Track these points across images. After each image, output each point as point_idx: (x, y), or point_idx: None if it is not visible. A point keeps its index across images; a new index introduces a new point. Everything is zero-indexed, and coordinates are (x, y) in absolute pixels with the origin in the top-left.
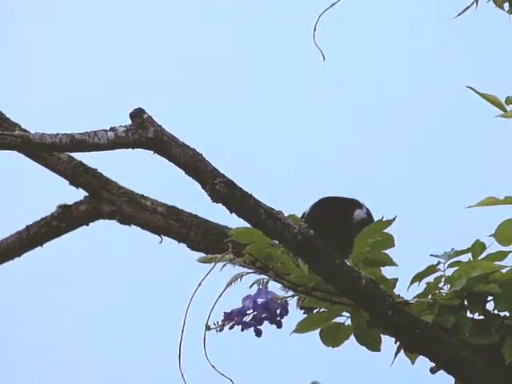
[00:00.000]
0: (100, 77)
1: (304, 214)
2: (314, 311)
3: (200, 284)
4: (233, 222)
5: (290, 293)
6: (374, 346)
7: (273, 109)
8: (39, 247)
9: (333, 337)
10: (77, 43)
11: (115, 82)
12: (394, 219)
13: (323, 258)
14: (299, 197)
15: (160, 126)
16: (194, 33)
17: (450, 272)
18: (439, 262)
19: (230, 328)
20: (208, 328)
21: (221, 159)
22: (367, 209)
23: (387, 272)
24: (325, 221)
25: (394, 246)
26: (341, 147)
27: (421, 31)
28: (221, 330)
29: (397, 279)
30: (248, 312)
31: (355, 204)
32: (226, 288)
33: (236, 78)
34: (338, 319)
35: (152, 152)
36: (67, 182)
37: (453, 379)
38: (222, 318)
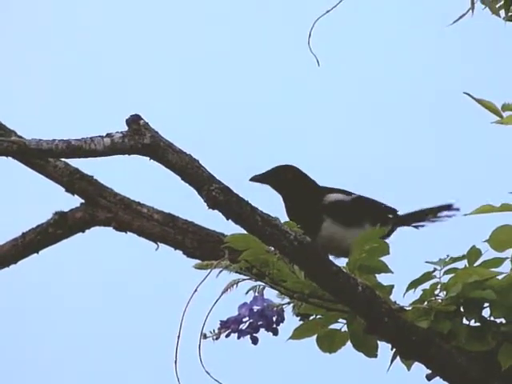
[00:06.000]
0: (96, 82)
1: None
2: (310, 318)
3: (196, 290)
4: (229, 229)
5: (286, 300)
6: (371, 352)
7: (268, 114)
8: (35, 254)
9: (329, 343)
10: (73, 48)
11: (112, 88)
12: (389, 227)
13: (319, 265)
14: None
15: (156, 132)
16: (190, 37)
17: (445, 279)
18: (435, 269)
19: (227, 336)
20: (204, 336)
21: (217, 166)
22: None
23: (383, 279)
24: None
25: (388, 253)
26: (332, 154)
27: (416, 37)
28: (217, 339)
29: (393, 286)
30: (244, 320)
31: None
32: (221, 294)
33: (231, 85)
34: (335, 326)
35: (148, 158)
36: (63, 189)
37: None
38: (218, 326)
